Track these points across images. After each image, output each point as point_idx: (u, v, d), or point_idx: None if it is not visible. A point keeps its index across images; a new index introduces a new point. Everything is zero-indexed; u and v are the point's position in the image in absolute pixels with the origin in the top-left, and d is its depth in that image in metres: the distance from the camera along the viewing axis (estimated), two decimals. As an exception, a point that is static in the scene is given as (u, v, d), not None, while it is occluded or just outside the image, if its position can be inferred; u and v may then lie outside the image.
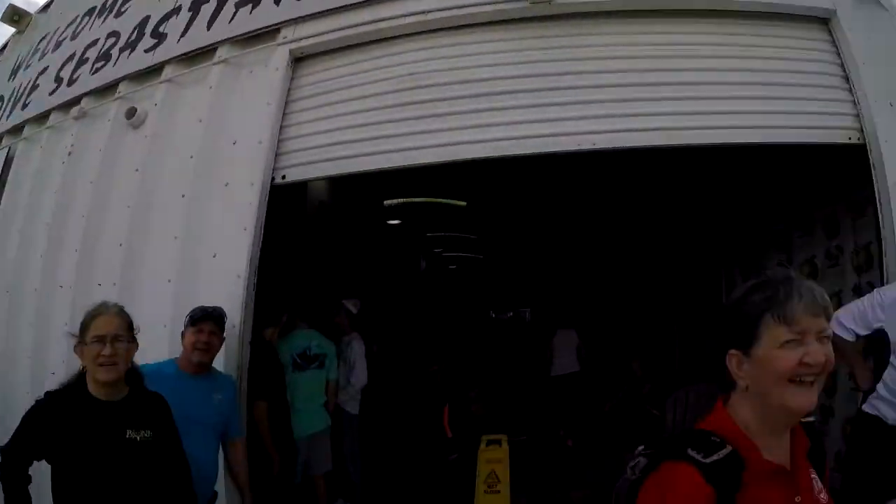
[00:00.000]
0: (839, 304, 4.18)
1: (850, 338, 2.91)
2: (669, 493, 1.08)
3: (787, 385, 1.08)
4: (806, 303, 1.07)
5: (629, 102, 3.18)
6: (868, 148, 3.12)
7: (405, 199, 7.64)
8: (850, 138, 3.12)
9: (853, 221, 4.08)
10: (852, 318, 2.90)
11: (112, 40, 4.42)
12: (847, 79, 3.28)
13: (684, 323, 7.58)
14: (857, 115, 3.18)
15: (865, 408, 2.87)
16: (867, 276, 3.86)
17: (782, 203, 5.04)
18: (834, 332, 2.87)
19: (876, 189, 3.09)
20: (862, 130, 3.15)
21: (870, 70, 3.23)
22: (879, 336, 2.81)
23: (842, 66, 3.31)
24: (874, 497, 2.77)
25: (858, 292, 3.79)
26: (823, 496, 1.19)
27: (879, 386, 2.81)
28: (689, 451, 1.08)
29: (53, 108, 4.61)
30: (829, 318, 1.10)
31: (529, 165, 4.26)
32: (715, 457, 1.07)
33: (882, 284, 3.11)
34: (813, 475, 1.19)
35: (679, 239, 7.60)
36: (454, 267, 15.64)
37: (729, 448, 1.08)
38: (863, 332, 2.88)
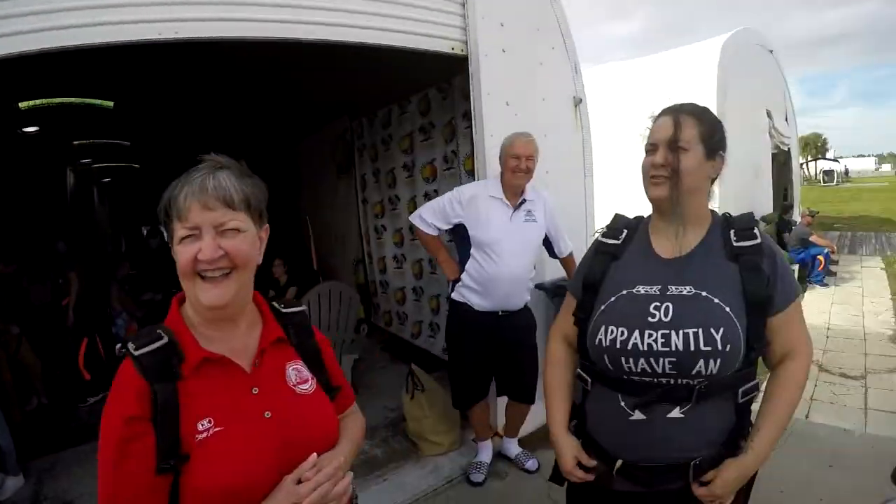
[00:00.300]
0: (433, 173, 4.87)
1: (432, 232, 3.21)
2: (112, 388, 1.07)
3: (196, 280, 1.08)
4: (197, 197, 1.06)
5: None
6: (468, 60, 3.38)
7: (43, 102, 6.07)
8: (452, 48, 3.33)
9: (442, 101, 4.66)
10: (433, 214, 3.19)
11: None
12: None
13: (315, 220, 7.78)
14: (465, 29, 3.36)
15: (454, 295, 3.23)
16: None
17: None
18: (418, 227, 3.01)
19: (472, 98, 3.39)
20: (466, 43, 3.37)
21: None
22: (461, 230, 3.13)
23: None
24: (466, 369, 3.26)
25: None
26: (306, 386, 1.23)
27: (464, 275, 3.15)
28: (128, 345, 1.07)
29: None
30: (234, 209, 1.09)
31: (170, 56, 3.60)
32: (145, 349, 1.05)
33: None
34: (294, 366, 1.23)
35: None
36: (108, 180, 13.43)
37: (164, 340, 1.08)
38: (444, 227, 3.18)
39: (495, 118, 3.37)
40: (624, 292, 1.43)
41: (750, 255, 1.37)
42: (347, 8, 2.89)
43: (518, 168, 2.99)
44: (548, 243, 3.32)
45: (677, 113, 1.41)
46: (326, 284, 5.02)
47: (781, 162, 12.29)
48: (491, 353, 3.22)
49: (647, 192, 1.45)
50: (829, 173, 50.86)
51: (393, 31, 3.09)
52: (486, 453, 3.53)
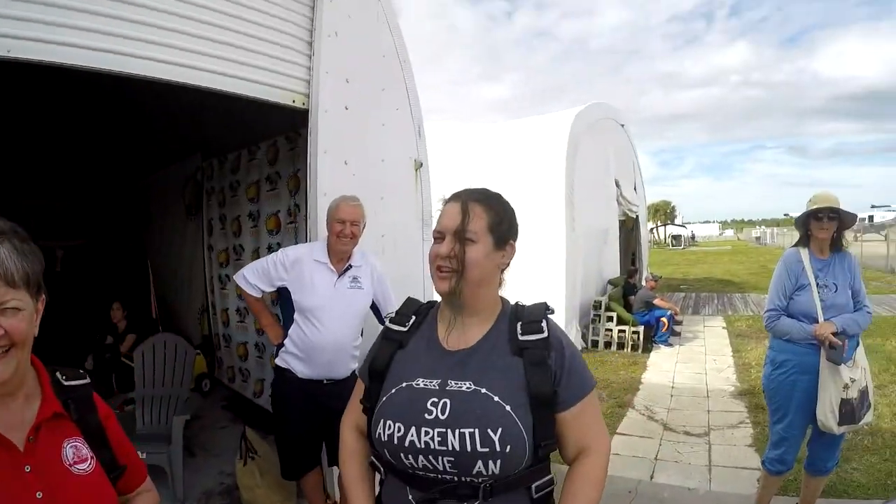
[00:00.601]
0: (278, 225, 4.75)
1: (255, 294, 3.10)
2: None
3: None
4: None
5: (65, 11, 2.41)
6: (309, 114, 3.30)
7: None
8: (294, 101, 3.24)
9: (288, 151, 4.60)
10: (256, 275, 3.07)
11: None
12: (311, 46, 3.33)
13: (160, 263, 7.25)
14: (308, 82, 3.29)
15: (278, 361, 3.08)
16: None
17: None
18: (241, 288, 2.82)
19: (308, 154, 3.30)
20: (308, 97, 3.31)
21: (333, 43, 3.36)
22: (285, 293, 3.01)
23: (310, 32, 3.34)
24: (292, 438, 3.08)
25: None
26: (84, 466, 1.17)
27: (287, 341, 3.01)
28: None
29: None
30: (14, 287, 1.05)
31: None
32: None
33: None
34: (73, 443, 1.18)
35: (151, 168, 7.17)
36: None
37: None
38: (267, 289, 3.07)
39: (331, 176, 3.28)
40: (404, 385, 1.36)
41: (535, 349, 1.32)
42: (187, 48, 2.74)
43: (343, 233, 2.92)
44: (376, 310, 3.23)
45: (466, 201, 1.37)
46: (161, 336, 4.64)
47: (630, 228, 13.24)
48: (319, 421, 3.05)
49: (434, 283, 1.41)
50: (676, 237, 55.62)
51: (236, 78, 2.97)
52: None
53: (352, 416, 1.58)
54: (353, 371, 3.10)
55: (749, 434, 5.18)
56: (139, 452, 3.55)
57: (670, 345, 9.36)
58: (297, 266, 3.01)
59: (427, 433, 1.26)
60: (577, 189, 8.53)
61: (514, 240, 1.43)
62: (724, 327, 10.93)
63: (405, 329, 1.47)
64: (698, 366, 8.00)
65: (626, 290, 10.37)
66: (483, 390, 1.28)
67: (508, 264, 1.43)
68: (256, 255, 4.98)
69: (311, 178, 3.26)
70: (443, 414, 1.27)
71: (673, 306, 10.09)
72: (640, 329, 9.16)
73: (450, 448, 1.25)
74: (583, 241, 8.93)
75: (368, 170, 3.48)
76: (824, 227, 3.03)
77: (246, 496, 3.58)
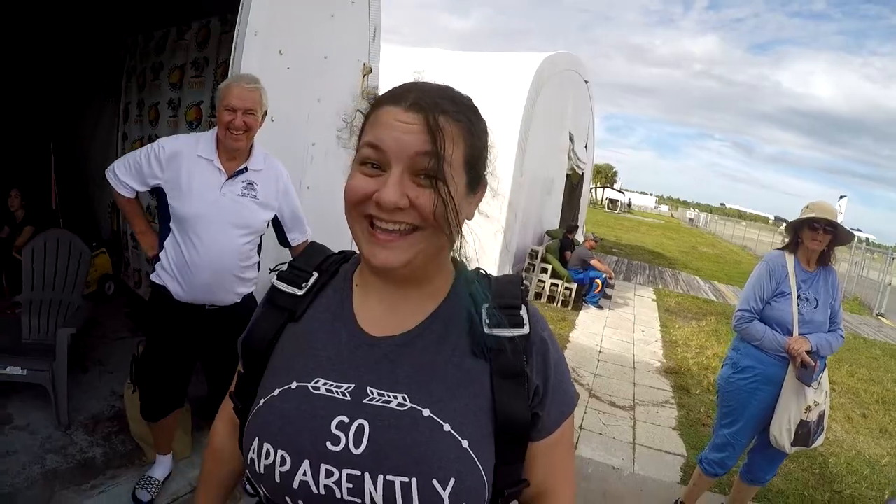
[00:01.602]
0: (199, 117, 4.19)
1: (126, 193, 2.54)
2: None
3: None
4: None
5: None
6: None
7: None
8: (227, -32, 2.73)
9: (221, 36, 4.05)
10: (127, 170, 2.50)
11: None
12: None
13: (69, 148, 6.46)
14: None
15: (153, 277, 2.57)
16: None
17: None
18: (113, 186, 2.09)
19: (235, 36, 2.75)
20: (246, -34, 2.75)
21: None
22: (162, 196, 2.47)
23: None
24: (161, 371, 2.62)
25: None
26: None
27: (162, 254, 2.52)
28: None
29: None
30: None
31: None
32: None
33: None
34: None
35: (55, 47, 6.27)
36: None
37: None
38: (140, 188, 2.52)
39: (260, 64, 2.73)
40: (294, 386, 0.85)
41: (510, 351, 0.85)
42: None
43: (233, 124, 2.36)
44: (281, 231, 2.74)
45: (433, 113, 0.77)
46: (53, 232, 4.05)
47: (574, 184, 13.10)
48: (194, 354, 2.66)
49: (367, 255, 0.82)
50: (613, 202, 56.82)
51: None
52: (161, 469, 2.89)
53: (226, 408, 1.08)
54: (246, 296, 2.65)
55: (674, 416, 5.17)
56: (19, 369, 3.08)
57: (600, 307, 9.39)
58: (174, 162, 2.42)
59: (330, 474, 0.77)
60: (532, 134, 8.20)
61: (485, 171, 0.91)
62: (653, 299, 11.08)
63: (300, 293, 0.95)
64: (626, 334, 8.03)
65: (563, 244, 10.26)
66: (426, 412, 0.80)
67: (473, 214, 0.91)
68: (173, 149, 4.44)
69: (234, 62, 2.73)
70: (357, 445, 0.78)
71: (609, 270, 10.08)
72: (574, 286, 9.11)
73: (367, 501, 0.76)
74: (528, 187, 8.68)
75: (307, 64, 2.98)
76: (818, 238, 2.81)
77: (134, 428, 3.17)
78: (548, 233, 10.77)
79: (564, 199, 12.24)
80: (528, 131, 8.05)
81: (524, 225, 9.21)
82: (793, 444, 2.83)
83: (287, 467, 0.79)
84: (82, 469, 2.96)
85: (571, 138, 10.82)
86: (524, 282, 0.96)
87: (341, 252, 1.03)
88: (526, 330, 0.86)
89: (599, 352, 6.94)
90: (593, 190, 49.92)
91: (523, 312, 0.88)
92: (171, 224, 2.45)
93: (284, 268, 1.00)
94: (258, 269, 2.68)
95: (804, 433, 2.81)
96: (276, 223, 2.69)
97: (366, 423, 0.79)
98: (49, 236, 3.95)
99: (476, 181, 0.87)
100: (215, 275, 2.47)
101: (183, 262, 2.44)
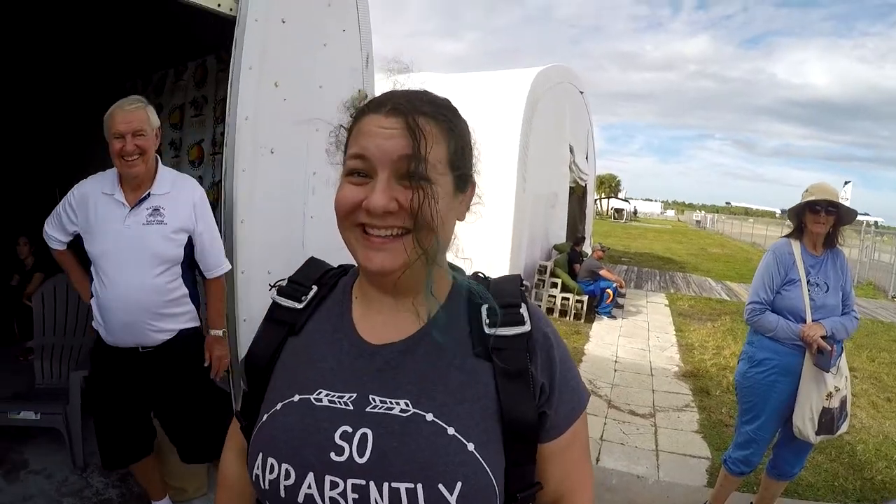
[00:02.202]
0: (200, 156, 4.20)
1: (57, 247, 2.54)
2: None
3: None
4: None
5: None
6: (237, 23, 2.80)
7: None
8: (219, 5, 2.74)
9: (218, 73, 4.05)
10: (53, 223, 2.49)
11: None
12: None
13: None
14: (238, -11, 2.79)
15: (94, 324, 2.47)
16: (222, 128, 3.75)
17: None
18: (47, 242, 2.18)
19: (231, 71, 2.80)
20: (237, 2, 2.80)
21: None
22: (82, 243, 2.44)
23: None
24: (110, 420, 2.53)
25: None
26: None
27: (92, 300, 2.44)
28: None
29: None
30: None
31: None
32: None
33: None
34: None
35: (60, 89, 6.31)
36: None
37: None
38: (65, 239, 2.51)
39: (256, 98, 2.75)
40: (296, 399, 0.85)
41: (512, 349, 0.84)
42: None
43: (125, 151, 2.24)
44: (192, 256, 2.54)
45: (411, 114, 0.78)
46: (63, 276, 4.06)
47: (578, 196, 13.10)
48: (143, 400, 2.56)
49: (363, 261, 0.82)
50: (619, 211, 56.79)
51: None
52: None
53: (233, 436, 1.07)
54: (181, 332, 2.50)
55: (695, 419, 5.11)
56: (32, 413, 3.07)
57: (613, 317, 9.34)
58: (84, 204, 2.37)
59: (335, 486, 0.76)
60: (532, 149, 8.22)
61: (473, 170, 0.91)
62: (666, 304, 11.01)
63: (300, 306, 0.95)
64: (641, 342, 7.97)
65: (571, 257, 10.23)
66: (429, 416, 0.79)
67: (465, 215, 0.91)
68: (176, 188, 4.48)
69: (231, 98, 2.75)
70: (361, 454, 0.77)
71: (618, 279, 10.05)
72: (585, 298, 9.06)
73: None
74: (532, 203, 8.68)
75: (302, 95, 2.99)
76: (821, 220, 2.78)
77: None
78: (555, 247, 10.74)
79: (570, 212, 12.22)
80: (527, 146, 8.08)
81: (531, 241, 9.20)
82: (817, 434, 2.78)
83: (291, 481, 0.78)
84: None
85: (572, 150, 10.84)
86: (523, 281, 0.94)
87: (340, 266, 1.02)
88: (527, 327, 0.85)
89: (615, 361, 6.90)
90: (598, 201, 49.98)
91: (523, 310, 0.87)
92: (91, 268, 2.40)
93: (284, 283, 0.99)
94: (192, 300, 2.56)
95: (828, 420, 2.76)
96: (190, 248, 2.49)
97: (369, 432, 0.78)
98: (58, 281, 3.96)
99: (464, 181, 0.87)
100: (131, 314, 2.34)
101: (103, 304, 2.35)
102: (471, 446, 0.78)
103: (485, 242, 7.44)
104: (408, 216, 0.77)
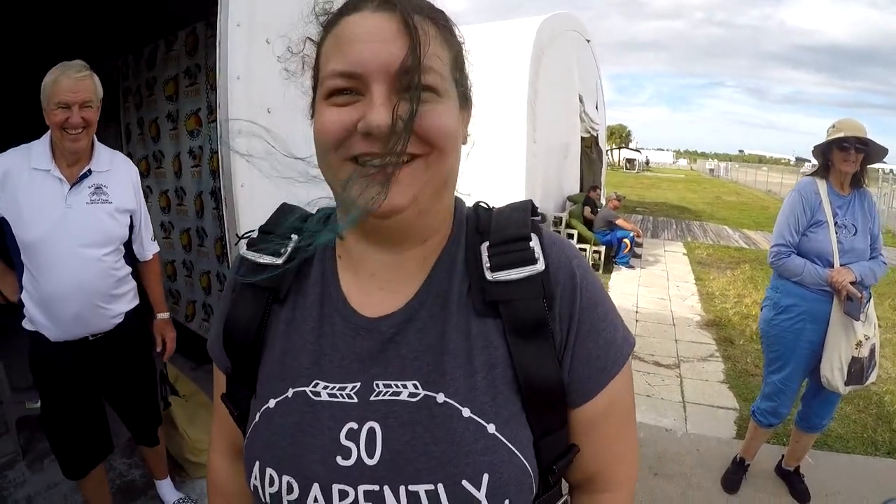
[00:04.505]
0: (199, 125, 4.05)
1: None
2: None
3: None
4: None
5: None
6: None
7: None
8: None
9: (208, 40, 3.87)
10: None
11: None
12: None
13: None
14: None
15: (24, 324, 2.23)
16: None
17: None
18: None
19: (218, 28, 2.63)
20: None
21: None
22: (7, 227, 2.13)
23: None
24: (62, 425, 2.34)
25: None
26: None
27: (24, 295, 2.18)
28: None
29: None
30: None
31: None
32: None
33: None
34: None
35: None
36: None
37: None
38: None
39: (247, 57, 2.58)
40: (290, 393, 0.71)
41: (522, 299, 0.67)
42: None
43: (70, 123, 2.03)
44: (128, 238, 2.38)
45: (407, 9, 0.62)
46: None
47: (589, 146, 12.83)
48: (96, 394, 2.42)
49: (365, 206, 0.63)
50: (631, 161, 55.94)
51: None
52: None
53: (221, 432, 0.91)
54: (126, 313, 2.37)
55: (720, 369, 5.01)
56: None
57: (631, 267, 9.21)
58: (8, 183, 2.07)
59: (345, 495, 0.64)
60: (540, 100, 7.96)
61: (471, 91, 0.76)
62: (684, 253, 10.86)
63: (279, 261, 0.76)
64: (661, 291, 7.85)
65: (586, 203, 10.03)
66: (440, 397, 0.66)
67: (468, 137, 0.75)
68: (178, 161, 4.36)
69: (220, 59, 2.59)
70: (371, 454, 0.65)
71: (635, 227, 9.87)
72: (602, 249, 8.91)
73: None
74: (543, 155, 8.47)
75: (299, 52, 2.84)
76: (850, 158, 2.60)
77: (170, 446, 3.07)
78: (569, 198, 10.55)
79: (582, 162, 11.98)
80: (535, 97, 7.82)
81: (545, 193, 9.02)
82: (846, 384, 2.65)
83: (295, 495, 0.66)
84: (123, 493, 2.96)
85: (581, 100, 10.54)
86: (536, 208, 0.77)
87: (322, 211, 0.83)
88: (539, 266, 0.68)
89: (636, 311, 6.80)
90: (609, 152, 49.35)
91: (534, 243, 0.70)
92: (22, 257, 2.12)
93: (255, 234, 0.82)
94: (133, 278, 2.43)
95: (857, 370, 2.63)
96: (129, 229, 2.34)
97: (377, 426, 0.66)
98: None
99: (465, 97, 0.72)
100: (83, 302, 2.16)
101: (44, 296, 2.12)
102: (491, 428, 0.65)
103: (496, 195, 7.24)
104: (415, 137, 0.61)
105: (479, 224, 0.75)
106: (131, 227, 2.36)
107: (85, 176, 2.17)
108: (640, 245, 10.13)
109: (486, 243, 0.71)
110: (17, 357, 2.36)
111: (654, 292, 7.75)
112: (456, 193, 0.77)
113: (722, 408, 4.24)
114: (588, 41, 11.51)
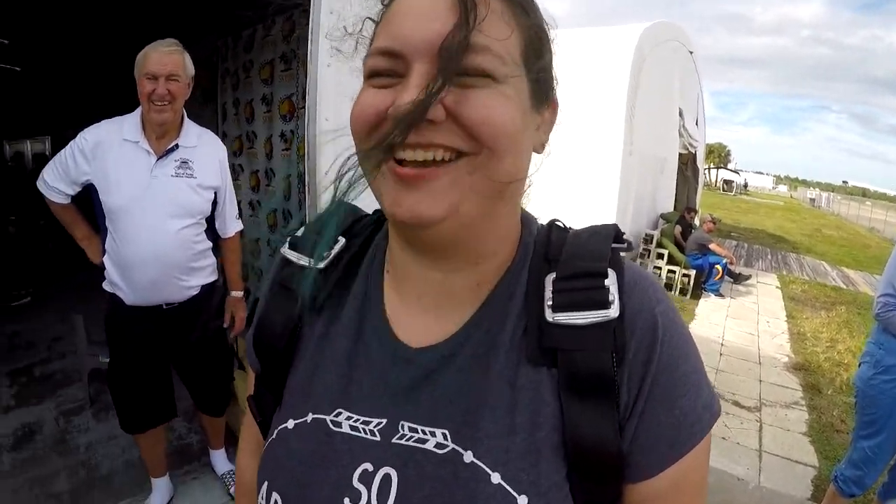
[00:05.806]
0: (292, 110, 4.14)
1: (59, 200, 2.30)
2: None
3: None
4: None
5: None
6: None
7: None
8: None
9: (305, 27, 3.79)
10: (56, 173, 2.26)
11: None
12: None
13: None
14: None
15: (105, 285, 2.33)
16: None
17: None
18: (44, 194, 2.33)
19: (311, 15, 2.65)
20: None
21: None
22: (95, 194, 2.23)
23: None
24: (129, 383, 2.43)
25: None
26: None
27: (105, 258, 2.29)
28: None
29: None
30: None
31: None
32: None
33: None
34: None
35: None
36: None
37: None
38: (70, 191, 2.29)
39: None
40: (309, 418, 0.63)
41: (584, 350, 0.55)
42: None
43: (156, 94, 2.09)
44: (212, 214, 2.44)
45: None
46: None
47: (685, 162, 12.28)
48: (164, 359, 2.49)
49: (389, 207, 0.54)
50: (729, 183, 53.46)
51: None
52: (160, 495, 2.70)
53: (248, 433, 0.86)
54: (203, 287, 2.43)
55: (804, 419, 4.59)
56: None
57: (721, 295, 8.65)
58: (99, 151, 2.16)
59: None
60: (639, 110, 7.65)
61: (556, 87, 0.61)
62: (777, 287, 10.11)
63: (320, 265, 0.68)
64: (750, 325, 7.32)
65: (679, 223, 9.58)
66: (468, 455, 0.55)
67: (545, 146, 0.61)
68: (269, 143, 4.45)
69: (312, 45, 2.59)
70: (381, 503, 0.56)
71: (729, 254, 9.30)
72: (692, 273, 8.45)
73: None
74: (639, 168, 8.12)
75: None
76: None
77: (230, 420, 3.08)
78: (662, 216, 10.11)
79: (678, 180, 11.48)
80: (633, 107, 7.52)
81: (637, 208, 8.66)
82: None
83: None
84: (179, 455, 3.07)
85: (681, 114, 10.08)
86: (622, 234, 0.61)
87: (376, 213, 0.72)
88: (612, 311, 0.54)
89: (721, 345, 6.37)
90: (706, 171, 47.36)
91: (611, 281, 0.56)
92: (107, 223, 2.22)
93: (300, 233, 0.72)
94: (213, 254, 2.48)
95: None
96: (213, 205, 2.40)
97: (393, 473, 0.56)
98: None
99: (542, 92, 0.57)
100: (160, 270, 2.23)
101: (124, 261, 2.21)
102: (523, 500, 0.53)
103: (587, 208, 7.11)
104: (459, 129, 0.50)
105: (548, 250, 0.61)
106: (215, 203, 2.41)
107: (172, 150, 2.23)
108: (732, 274, 9.47)
109: (553, 275, 0.58)
110: (98, 314, 2.48)
111: (742, 325, 7.23)
112: (525, 208, 0.65)
113: (800, 463, 3.87)
114: (691, 53, 11.00)
